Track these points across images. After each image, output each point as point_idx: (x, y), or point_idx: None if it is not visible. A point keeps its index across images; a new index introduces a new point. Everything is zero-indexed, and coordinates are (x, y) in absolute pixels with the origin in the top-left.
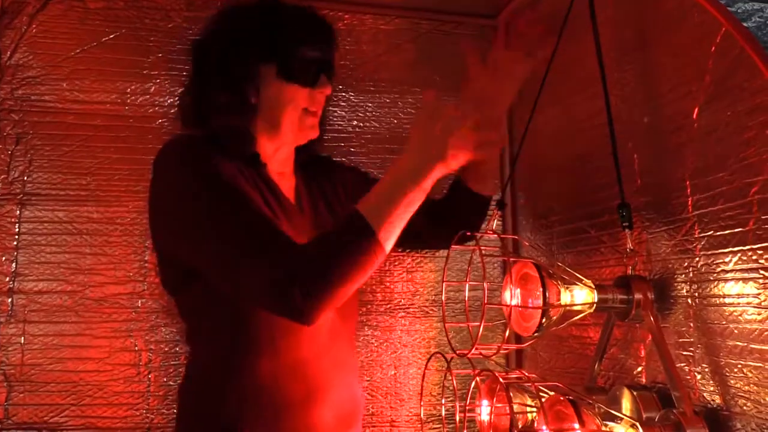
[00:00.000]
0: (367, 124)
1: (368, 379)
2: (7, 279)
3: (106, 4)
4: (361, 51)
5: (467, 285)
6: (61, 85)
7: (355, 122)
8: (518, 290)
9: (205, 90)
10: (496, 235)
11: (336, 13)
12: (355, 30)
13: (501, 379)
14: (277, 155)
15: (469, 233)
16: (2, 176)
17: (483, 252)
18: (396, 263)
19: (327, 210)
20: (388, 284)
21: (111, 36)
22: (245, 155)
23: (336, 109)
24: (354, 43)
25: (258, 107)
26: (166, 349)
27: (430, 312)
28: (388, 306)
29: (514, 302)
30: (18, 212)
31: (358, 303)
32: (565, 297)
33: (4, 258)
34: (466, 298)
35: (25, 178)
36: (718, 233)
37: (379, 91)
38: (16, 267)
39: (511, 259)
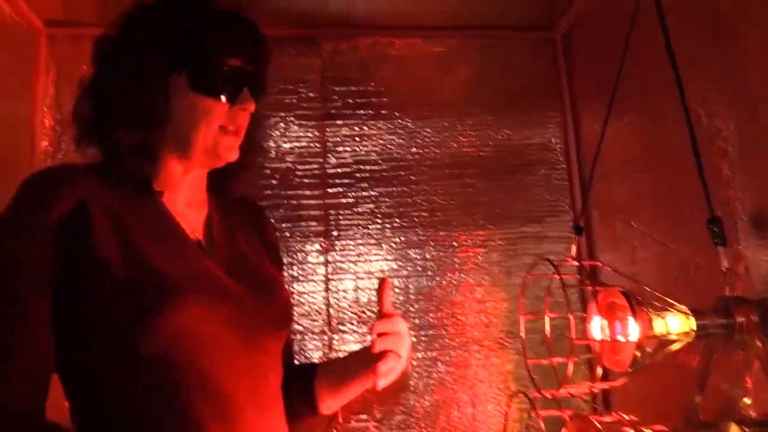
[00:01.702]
0: (427, 150)
1: (445, 418)
2: None
3: None
4: (414, 76)
5: (547, 317)
6: None
7: (414, 149)
8: (605, 321)
9: (102, 98)
10: (576, 263)
11: (387, 39)
12: (406, 56)
13: (596, 423)
14: (187, 179)
15: (546, 260)
16: None
17: (564, 281)
18: (466, 294)
19: (249, 255)
20: (459, 317)
21: None
22: (137, 180)
23: (393, 137)
24: (407, 68)
25: (165, 121)
26: None
27: (506, 344)
28: (461, 340)
29: (602, 335)
30: None
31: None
32: (659, 326)
33: None
34: (548, 332)
35: None
36: None
37: (435, 115)
38: None
39: (596, 288)
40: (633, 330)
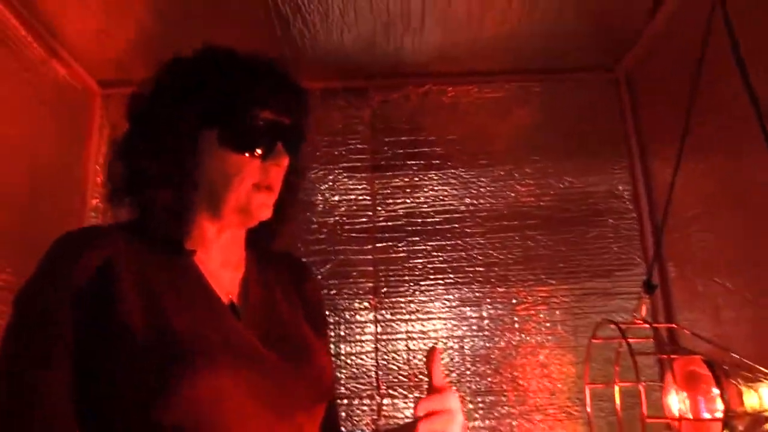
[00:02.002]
0: (482, 201)
1: None
2: None
3: None
4: (469, 123)
5: (617, 387)
6: None
7: (467, 200)
8: (685, 394)
9: (133, 156)
10: (647, 325)
11: (439, 87)
12: (460, 102)
13: None
14: (222, 238)
15: (611, 322)
16: None
17: (633, 347)
18: (528, 356)
19: (287, 319)
20: (520, 382)
21: None
22: (169, 241)
23: (446, 188)
24: (461, 115)
25: (196, 180)
26: None
27: (574, 413)
28: (523, 408)
29: (681, 411)
30: None
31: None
32: (751, 399)
33: None
34: (618, 406)
35: None
36: None
37: (491, 163)
38: None
39: (672, 356)
40: (719, 405)
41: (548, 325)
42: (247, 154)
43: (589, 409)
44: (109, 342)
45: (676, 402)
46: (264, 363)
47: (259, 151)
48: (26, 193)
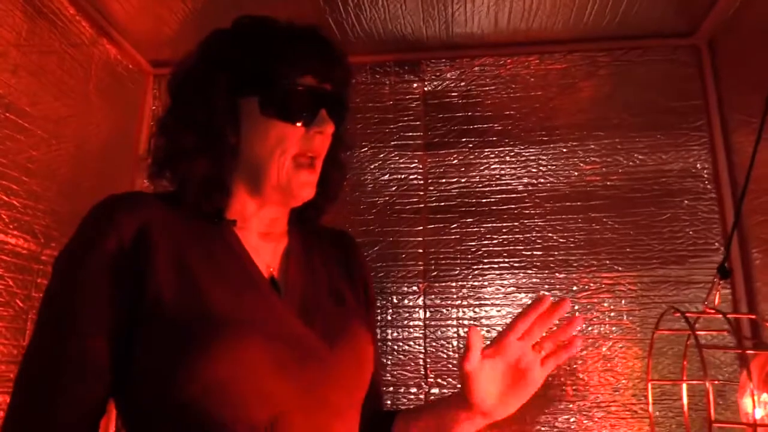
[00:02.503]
0: (542, 181)
1: None
2: None
3: None
4: (528, 98)
5: (684, 385)
6: None
7: (526, 179)
8: (764, 395)
9: (173, 129)
10: (720, 315)
11: (495, 59)
12: (520, 75)
13: None
14: (262, 213)
15: (677, 311)
16: None
17: (703, 340)
18: (589, 348)
19: (330, 295)
20: (581, 376)
21: None
22: (208, 211)
23: (503, 166)
24: (520, 89)
25: (236, 151)
26: None
27: (639, 411)
28: (582, 404)
29: (759, 414)
30: None
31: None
32: None
33: None
34: (685, 405)
35: None
36: None
37: (553, 140)
38: None
39: (749, 351)
40: None
41: (613, 315)
42: (288, 122)
43: (650, 408)
44: (139, 311)
45: (752, 405)
46: (301, 342)
47: (300, 119)
48: (74, 173)
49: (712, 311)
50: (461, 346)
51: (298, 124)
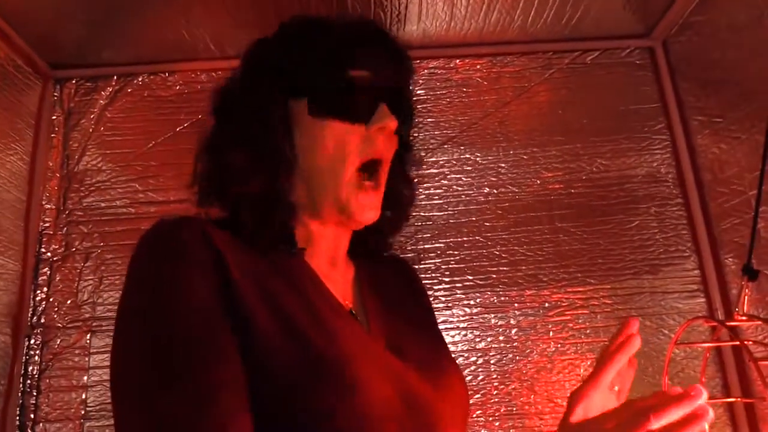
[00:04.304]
0: (503, 190)
1: None
2: (77, 426)
3: (179, 90)
4: (482, 103)
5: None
6: (133, 186)
7: (486, 189)
8: None
9: (219, 148)
10: (751, 321)
11: (445, 62)
12: (472, 78)
13: None
14: (326, 235)
15: (706, 320)
16: (70, 299)
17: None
18: (565, 371)
19: (412, 327)
20: (559, 401)
21: (186, 124)
22: (273, 238)
23: (460, 175)
24: (473, 93)
25: (295, 164)
26: None
27: None
28: None
29: None
30: (88, 341)
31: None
32: None
33: (73, 396)
34: (705, 430)
35: (95, 299)
36: None
37: (512, 146)
38: (85, 410)
39: None
40: None
41: (589, 332)
42: (345, 120)
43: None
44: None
45: None
46: (403, 380)
47: (358, 117)
48: None
49: (744, 318)
50: None
51: (356, 122)
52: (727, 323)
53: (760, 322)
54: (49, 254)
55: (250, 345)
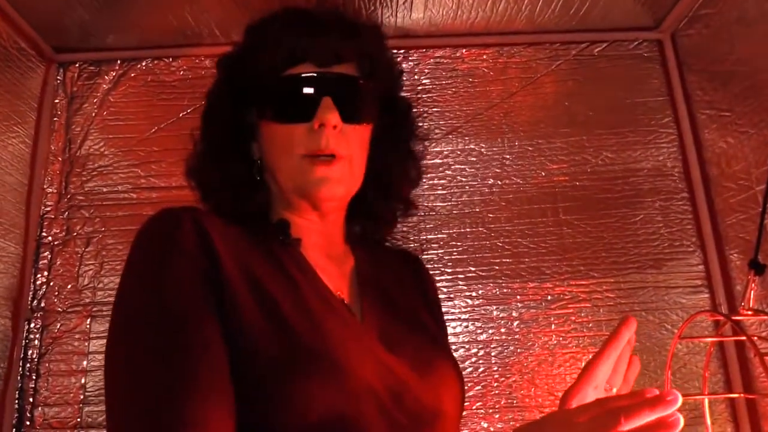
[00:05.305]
0: (507, 181)
1: None
2: (75, 410)
3: (183, 75)
4: (488, 93)
5: (706, 399)
6: (135, 171)
7: (491, 180)
8: None
9: (202, 165)
10: (757, 316)
11: (451, 51)
12: (478, 69)
13: None
14: (314, 227)
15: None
16: (71, 284)
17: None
18: (567, 365)
19: (409, 320)
20: (559, 395)
21: (190, 110)
22: (275, 226)
23: (464, 167)
24: (479, 84)
25: (263, 167)
26: None
27: None
28: None
29: None
30: (88, 326)
31: None
32: None
33: (72, 381)
34: (709, 425)
35: (96, 284)
36: None
37: (517, 138)
38: (84, 394)
39: None
40: None
41: (591, 326)
42: (286, 122)
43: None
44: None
45: None
46: (392, 372)
47: (298, 117)
48: None
49: (750, 312)
50: None
51: (298, 122)
52: (733, 317)
53: (766, 317)
54: (50, 238)
55: (235, 330)
